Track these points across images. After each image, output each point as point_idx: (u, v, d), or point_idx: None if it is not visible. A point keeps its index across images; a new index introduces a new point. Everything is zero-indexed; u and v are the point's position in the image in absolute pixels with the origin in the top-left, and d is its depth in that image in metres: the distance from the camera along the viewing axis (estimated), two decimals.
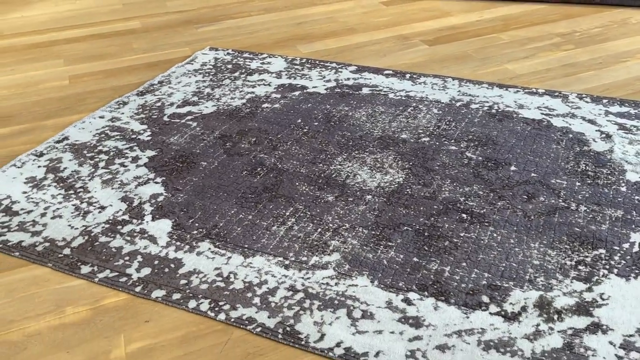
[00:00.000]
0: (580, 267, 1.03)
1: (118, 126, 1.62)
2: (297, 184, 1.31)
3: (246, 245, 1.13)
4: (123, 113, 1.69)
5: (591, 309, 0.94)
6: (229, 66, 1.97)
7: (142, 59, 2.10)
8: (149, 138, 1.54)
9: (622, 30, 2.08)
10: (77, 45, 2.28)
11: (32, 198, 1.32)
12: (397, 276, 1.04)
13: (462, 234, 1.12)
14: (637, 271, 1.01)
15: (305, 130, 1.54)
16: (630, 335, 0.89)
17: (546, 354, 0.87)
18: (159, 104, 1.73)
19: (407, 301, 0.98)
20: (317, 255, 1.10)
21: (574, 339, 0.89)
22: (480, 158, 1.37)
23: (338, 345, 0.91)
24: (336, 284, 1.03)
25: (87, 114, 1.71)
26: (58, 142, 1.55)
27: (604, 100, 1.59)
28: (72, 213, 1.26)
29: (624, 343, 0.88)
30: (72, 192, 1.33)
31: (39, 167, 1.44)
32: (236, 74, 1.90)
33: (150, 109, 1.70)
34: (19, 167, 1.44)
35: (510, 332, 0.91)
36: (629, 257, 1.04)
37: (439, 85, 1.75)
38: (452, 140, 1.45)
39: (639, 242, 1.07)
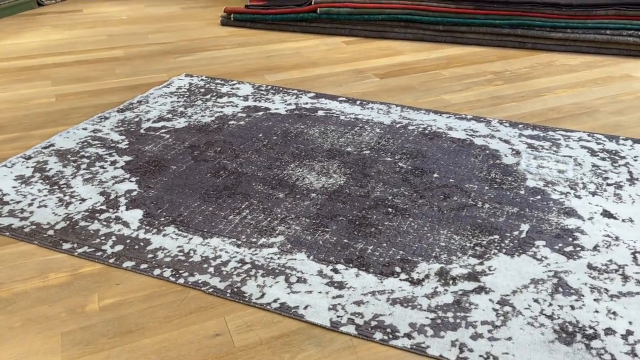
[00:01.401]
0: (476, 248, 1.26)
1: (99, 136, 1.83)
2: (253, 184, 1.54)
3: (205, 230, 1.34)
4: (104, 126, 1.90)
5: (480, 277, 1.17)
6: (202, 90, 2.22)
7: (123, 82, 2.34)
8: (127, 146, 1.76)
9: (547, 70, 2.40)
10: (65, 69, 2.50)
11: (21, 192, 1.51)
12: (329, 253, 1.26)
13: (386, 223, 1.36)
14: (520, 251, 1.25)
15: (265, 142, 1.78)
16: (506, 295, 1.12)
17: (438, 307, 1.09)
18: (137, 119, 1.95)
19: (335, 270, 1.20)
20: (265, 237, 1.31)
21: (462, 297, 1.12)
22: (409, 167, 1.62)
23: (275, 301, 1.12)
24: (279, 258, 1.24)
25: (72, 126, 1.92)
26: (45, 148, 1.76)
27: (520, 125, 1.87)
28: (56, 204, 1.46)
29: (500, 300, 1.11)
30: (56, 187, 1.53)
31: (27, 167, 1.64)
32: (208, 97, 2.15)
33: (129, 123, 1.92)
34: (9, 167, 1.63)
35: (413, 293, 1.13)
36: (516, 241, 1.28)
37: (384, 110, 2.02)
38: (389, 154, 1.70)
39: (526, 230, 1.32)
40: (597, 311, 1.07)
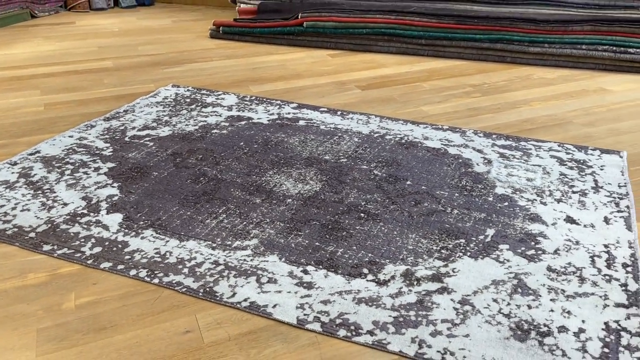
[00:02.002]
0: (442, 251, 1.31)
1: (84, 144, 1.88)
2: (232, 190, 1.59)
3: (182, 233, 1.39)
4: (90, 134, 1.95)
5: (443, 278, 1.22)
6: (188, 100, 2.27)
7: (111, 92, 2.39)
8: (111, 153, 1.81)
9: (524, 84, 2.48)
10: (54, 79, 2.56)
11: (4, 196, 1.55)
12: (301, 255, 1.30)
13: (357, 227, 1.41)
14: (484, 254, 1.30)
15: (245, 150, 1.83)
16: (467, 295, 1.17)
17: (402, 306, 1.14)
18: (122, 127, 2.00)
19: (305, 272, 1.24)
20: (239, 240, 1.36)
21: (425, 297, 1.16)
22: (384, 175, 1.67)
23: (245, 300, 1.16)
24: (252, 260, 1.29)
25: (58, 134, 1.96)
26: (31, 154, 1.80)
27: (494, 136, 1.93)
28: (38, 207, 1.50)
29: (461, 300, 1.15)
30: (40, 192, 1.57)
31: (12, 173, 1.68)
32: (193, 106, 2.20)
33: (114, 131, 1.97)
34: None
35: (379, 293, 1.18)
36: (481, 245, 1.33)
37: (363, 120, 2.08)
38: (365, 162, 1.75)
39: (491, 234, 1.37)
40: (552, 310, 1.12)
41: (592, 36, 2.64)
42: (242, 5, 3.42)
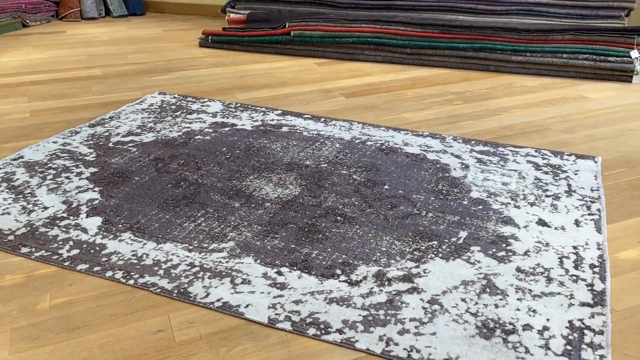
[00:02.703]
0: (415, 253, 1.33)
1: (68, 149, 1.90)
2: (211, 194, 1.61)
3: (160, 236, 1.41)
4: (74, 140, 1.97)
5: (414, 278, 1.24)
6: (173, 107, 2.30)
7: (98, 99, 2.41)
8: (94, 159, 1.83)
9: (506, 92, 2.52)
10: (42, 86, 2.58)
11: None
12: (276, 257, 1.32)
13: (333, 230, 1.43)
14: (455, 255, 1.32)
15: (227, 156, 1.85)
16: (437, 295, 1.19)
17: (372, 306, 1.16)
18: (106, 133, 2.03)
19: (279, 273, 1.26)
20: (216, 243, 1.38)
21: (395, 297, 1.18)
22: (363, 179, 1.69)
23: (218, 300, 1.18)
24: (227, 262, 1.31)
25: (42, 139, 1.98)
26: (14, 159, 1.82)
27: (472, 142, 1.96)
28: (19, 211, 1.51)
29: (430, 299, 1.17)
30: (21, 196, 1.59)
31: None
32: (177, 113, 2.23)
33: (98, 137, 2.00)
34: None
35: (350, 293, 1.20)
36: (453, 246, 1.36)
37: (346, 127, 2.11)
38: (345, 167, 1.78)
39: (464, 237, 1.39)
40: (518, 309, 1.14)
41: (573, 45, 2.68)
42: (232, 15, 3.47)
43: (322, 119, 2.18)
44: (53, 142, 1.95)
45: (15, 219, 1.48)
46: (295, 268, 1.28)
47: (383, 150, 1.90)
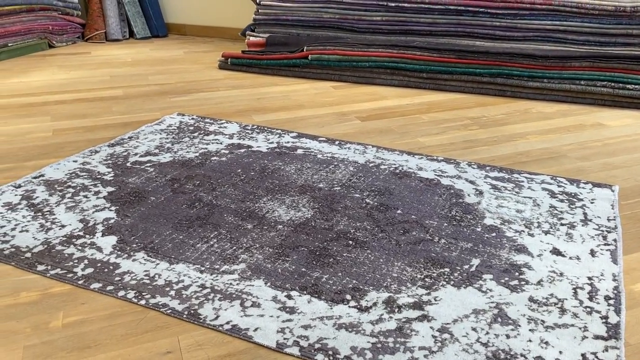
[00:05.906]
0: (426, 279, 1.33)
1: (87, 169, 1.94)
2: (225, 215, 1.62)
3: (173, 256, 1.42)
4: (94, 159, 2.02)
5: (424, 306, 1.23)
6: (191, 128, 2.34)
7: (118, 119, 2.47)
8: (112, 178, 1.86)
9: (522, 117, 2.51)
10: (65, 106, 2.65)
11: (6, 217, 1.61)
12: (286, 280, 1.32)
13: (344, 254, 1.43)
14: (467, 283, 1.31)
15: (242, 177, 1.87)
16: (447, 323, 1.18)
17: (381, 333, 1.15)
18: (125, 153, 2.07)
19: (289, 297, 1.26)
20: (227, 264, 1.39)
21: (405, 324, 1.17)
22: (375, 203, 1.70)
23: (227, 323, 1.18)
24: (238, 284, 1.31)
25: (63, 158, 2.03)
26: (35, 178, 1.86)
27: (487, 168, 1.96)
28: (37, 229, 1.55)
29: (440, 328, 1.16)
30: (39, 214, 1.63)
31: (15, 195, 1.74)
32: (195, 134, 2.27)
33: (117, 157, 2.04)
34: None
35: (360, 319, 1.19)
36: (465, 274, 1.35)
37: (360, 150, 2.12)
38: (358, 190, 1.79)
39: (476, 264, 1.38)
40: (530, 340, 1.12)
41: (591, 72, 2.67)
42: (252, 38, 3.54)
43: (337, 142, 2.20)
44: (73, 161, 1.99)
45: (33, 237, 1.51)
46: (305, 292, 1.28)
47: (397, 174, 1.91)
